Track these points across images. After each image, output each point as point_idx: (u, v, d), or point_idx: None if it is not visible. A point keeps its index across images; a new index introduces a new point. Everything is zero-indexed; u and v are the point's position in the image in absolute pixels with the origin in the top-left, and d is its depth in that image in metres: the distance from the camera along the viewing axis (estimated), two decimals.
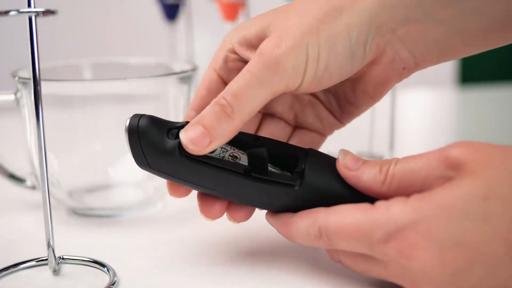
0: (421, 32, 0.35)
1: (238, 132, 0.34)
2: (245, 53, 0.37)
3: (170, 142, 0.34)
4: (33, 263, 0.38)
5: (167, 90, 0.47)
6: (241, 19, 0.66)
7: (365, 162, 0.34)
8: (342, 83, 0.37)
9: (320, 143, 0.41)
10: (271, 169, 0.35)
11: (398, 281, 0.32)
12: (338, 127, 0.41)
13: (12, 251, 0.41)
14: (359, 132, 0.62)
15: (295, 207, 0.34)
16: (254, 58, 0.33)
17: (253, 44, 0.36)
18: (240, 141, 0.36)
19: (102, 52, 1.34)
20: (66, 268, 0.38)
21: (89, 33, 1.40)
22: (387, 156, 0.60)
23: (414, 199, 0.30)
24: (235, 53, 0.37)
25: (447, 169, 0.31)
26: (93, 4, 1.38)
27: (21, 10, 0.32)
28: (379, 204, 0.31)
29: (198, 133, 0.33)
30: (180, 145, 0.34)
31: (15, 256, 0.38)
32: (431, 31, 0.35)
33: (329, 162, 0.35)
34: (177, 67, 0.52)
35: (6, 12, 0.32)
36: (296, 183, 0.34)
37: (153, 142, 0.34)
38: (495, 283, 0.30)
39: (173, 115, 0.48)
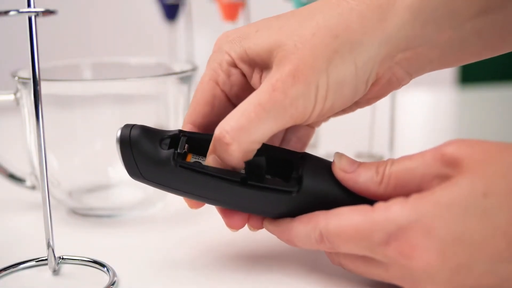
0: (418, 55, 0.35)
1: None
2: (247, 69, 0.36)
3: (164, 152, 0.34)
4: (33, 263, 0.38)
5: (167, 90, 0.47)
6: (241, 19, 0.66)
7: (361, 164, 0.34)
8: None
9: (312, 134, 0.40)
10: (267, 176, 0.35)
11: (399, 283, 0.32)
12: (325, 121, 0.40)
13: (12, 251, 0.41)
14: (359, 132, 0.62)
15: (294, 213, 0.34)
16: (266, 92, 0.32)
17: (257, 63, 0.35)
18: None
19: (102, 52, 1.34)
20: (66, 268, 0.38)
21: (89, 33, 1.40)
22: (387, 156, 0.60)
23: (414, 199, 0.30)
24: (236, 66, 0.36)
25: (444, 166, 0.31)
26: (93, 4, 1.38)
27: (21, 10, 0.32)
28: (378, 205, 0.31)
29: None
30: (174, 154, 0.34)
31: (15, 256, 0.38)
32: (427, 53, 0.35)
33: (325, 166, 0.35)
34: (177, 67, 0.52)
35: (6, 12, 0.32)
36: (294, 189, 0.34)
37: (146, 152, 0.34)
38: (496, 279, 0.30)
39: (173, 115, 0.47)
